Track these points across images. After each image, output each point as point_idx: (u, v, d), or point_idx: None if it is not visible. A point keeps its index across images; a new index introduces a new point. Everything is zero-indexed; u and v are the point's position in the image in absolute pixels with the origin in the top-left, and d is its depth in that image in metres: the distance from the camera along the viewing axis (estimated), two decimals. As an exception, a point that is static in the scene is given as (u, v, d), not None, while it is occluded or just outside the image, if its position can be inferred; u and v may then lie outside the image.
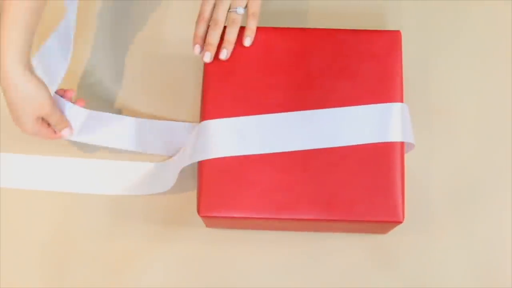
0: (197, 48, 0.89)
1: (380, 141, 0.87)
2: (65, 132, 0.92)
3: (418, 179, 0.96)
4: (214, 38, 0.89)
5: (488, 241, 0.95)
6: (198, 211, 0.86)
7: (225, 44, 0.89)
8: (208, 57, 0.89)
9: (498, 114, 1.00)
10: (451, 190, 0.97)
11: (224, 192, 0.86)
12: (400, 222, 0.86)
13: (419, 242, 0.95)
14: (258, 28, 0.91)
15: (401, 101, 0.89)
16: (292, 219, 0.86)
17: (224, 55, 0.89)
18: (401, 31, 0.92)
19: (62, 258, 0.95)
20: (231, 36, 0.89)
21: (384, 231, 0.93)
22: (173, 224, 0.96)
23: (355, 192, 0.86)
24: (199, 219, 0.96)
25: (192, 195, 0.97)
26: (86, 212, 0.97)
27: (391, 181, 0.86)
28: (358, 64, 0.90)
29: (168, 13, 1.03)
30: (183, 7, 1.03)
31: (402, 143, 0.88)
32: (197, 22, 0.90)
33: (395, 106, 0.88)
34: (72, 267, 0.94)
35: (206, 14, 0.89)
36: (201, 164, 0.88)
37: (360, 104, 0.88)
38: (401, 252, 0.95)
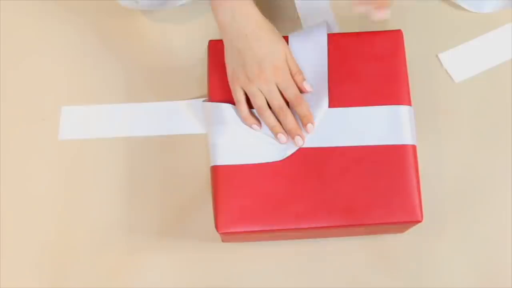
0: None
1: (392, 143, 0.87)
2: (306, 85, 0.88)
3: (423, 180, 0.95)
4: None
5: (497, 241, 0.95)
6: (217, 228, 0.86)
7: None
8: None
9: (504, 113, 0.99)
10: (458, 191, 0.96)
11: (241, 207, 0.86)
12: (419, 222, 0.86)
13: (425, 242, 0.94)
14: None
15: (409, 102, 0.89)
16: (312, 228, 0.86)
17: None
18: (402, 30, 0.91)
19: (61, 259, 0.95)
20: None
21: (401, 230, 0.93)
22: (172, 231, 0.95)
23: (372, 196, 0.86)
24: (201, 227, 0.95)
25: (198, 205, 0.96)
26: (87, 212, 0.96)
27: (407, 182, 0.86)
28: (362, 67, 0.90)
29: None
30: None
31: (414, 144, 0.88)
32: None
33: (404, 108, 0.88)
34: (72, 268, 0.94)
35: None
36: (215, 178, 0.87)
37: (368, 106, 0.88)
38: (406, 252, 0.95)
